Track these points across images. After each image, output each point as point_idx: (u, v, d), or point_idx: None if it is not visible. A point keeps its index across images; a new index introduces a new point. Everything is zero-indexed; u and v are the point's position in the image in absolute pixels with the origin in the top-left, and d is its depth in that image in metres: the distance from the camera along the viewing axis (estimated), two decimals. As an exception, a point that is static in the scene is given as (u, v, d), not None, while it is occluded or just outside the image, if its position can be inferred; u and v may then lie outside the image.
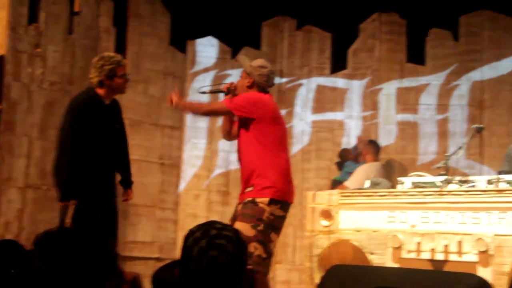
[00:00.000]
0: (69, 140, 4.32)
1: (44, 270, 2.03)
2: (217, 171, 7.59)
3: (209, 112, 4.47)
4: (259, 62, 4.31)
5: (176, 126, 7.52)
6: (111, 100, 4.54)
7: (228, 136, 4.44)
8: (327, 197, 5.29)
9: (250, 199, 4.10)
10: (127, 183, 4.69)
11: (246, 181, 4.16)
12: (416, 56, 7.49)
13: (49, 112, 6.39)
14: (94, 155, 4.32)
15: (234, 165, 7.56)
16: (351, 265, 4.16)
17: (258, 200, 4.07)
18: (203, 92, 4.51)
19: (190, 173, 7.50)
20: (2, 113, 6.04)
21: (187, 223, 6.84)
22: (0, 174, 5.96)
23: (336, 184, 6.60)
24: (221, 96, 4.55)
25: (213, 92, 4.51)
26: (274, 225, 4.10)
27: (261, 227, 4.02)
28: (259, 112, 4.13)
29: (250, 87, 4.24)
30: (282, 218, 4.17)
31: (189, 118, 7.61)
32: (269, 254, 4.07)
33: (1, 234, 5.80)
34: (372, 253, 4.73)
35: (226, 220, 7.25)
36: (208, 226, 1.98)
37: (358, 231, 4.91)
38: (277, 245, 4.24)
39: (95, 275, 2.06)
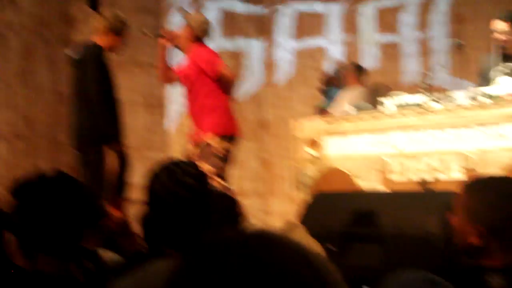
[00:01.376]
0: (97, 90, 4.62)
1: (18, 218, 1.97)
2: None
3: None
4: (201, 17, 4.97)
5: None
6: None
7: (168, 79, 4.97)
8: (310, 125, 5.28)
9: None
10: None
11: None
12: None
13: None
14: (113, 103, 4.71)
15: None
16: (333, 192, 4.19)
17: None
18: (145, 34, 4.98)
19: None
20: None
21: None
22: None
23: (321, 112, 6.57)
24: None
25: (156, 36, 4.98)
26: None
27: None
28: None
29: (189, 38, 4.80)
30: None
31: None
32: None
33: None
34: (360, 178, 4.76)
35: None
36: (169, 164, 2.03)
37: (345, 157, 4.93)
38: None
39: (73, 221, 2.00)
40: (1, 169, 5.95)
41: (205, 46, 4.85)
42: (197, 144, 4.68)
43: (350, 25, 7.50)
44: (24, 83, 6.24)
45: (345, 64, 7.24)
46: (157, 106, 7.38)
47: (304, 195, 4.76)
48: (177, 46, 4.79)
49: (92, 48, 4.73)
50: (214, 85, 4.71)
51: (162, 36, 4.76)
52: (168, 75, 4.86)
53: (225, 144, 4.67)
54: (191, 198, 1.94)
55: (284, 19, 7.70)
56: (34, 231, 1.93)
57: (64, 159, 6.42)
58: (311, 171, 5.04)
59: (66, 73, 6.54)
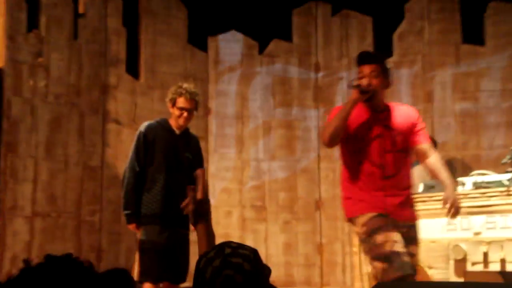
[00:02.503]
0: (129, 166, 4.97)
1: None
2: (250, 183, 7.61)
3: None
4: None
5: (200, 135, 7.50)
6: (183, 130, 5.10)
7: (337, 141, 4.11)
8: (375, 206, 5.23)
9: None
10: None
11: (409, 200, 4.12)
12: (473, 35, 7.36)
13: (55, 129, 6.45)
14: (158, 182, 4.92)
15: (269, 175, 7.55)
16: (397, 283, 4.05)
17: None
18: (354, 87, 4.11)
19: (219, 188, 7.49)
20: (3, 133, 6.10)
21: (219, 245, 6.83)
22: (4, 202, 6.01)
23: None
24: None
25: (362, 92, 4.03)
26: None
27: None
28: None
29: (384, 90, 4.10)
30: None
31: (214, 125, 7.61)
32: None
33: (8, 270, 5.84)
34: (431, 267, 4.64)
35: (262, 238, 7.27)
36: (222, 245, 2.06)
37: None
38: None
39: None
40: (18, 250, 6.01)
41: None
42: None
43: (423, 92, 7.48)
44: (50, 155, 6.37)
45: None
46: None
47: (364, 286, 4.66)
48: (369, 99, 3.99)
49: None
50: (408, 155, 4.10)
51: (358, 88, 3.97)
52: (340, 135, 4.02)
53: None
54: (242, 282, 1.97)
55: (345, 86, 7.75)
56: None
57: (89, 239, 6.48)
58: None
59: (95, 145, 6.71)
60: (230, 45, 7.87)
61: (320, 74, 7.90)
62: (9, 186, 6.07)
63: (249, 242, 6.86)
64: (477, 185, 4.79)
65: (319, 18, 8.00)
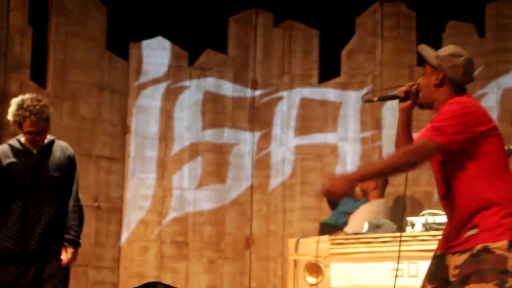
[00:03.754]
0: None
1: None
2: (171, 215, 7.59)
3: (415, 161, 4.07)
4: (449, 49, 3.97)
5: (116, 156, 7.48)
6: (43, 146, 4.98)
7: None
8: (314, 246, 5.32)
9: (480, 246, 3.68)
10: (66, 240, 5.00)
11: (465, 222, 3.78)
12: (430, 57, 7.54)
13: None
14: (13, 214, 4.88)
15: (193, 206, 7.55)
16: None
17: (493, 246, 3.68)
18: (368, 101, 4.14)
19: (135, 219, 7.48)
20: None
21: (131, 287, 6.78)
22: None
23: (326, 228, 6.56)
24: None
25: (384, 99, 4.06)
26: None
27: (509, 283, 3.63)
28: (477, 128, 3.77)
29: (439, 85, 3.86)
30: None
31: (133, 146, 7.58)
32: None
33: None
34: (373, 319, 4.72)
35: (182, 280, 7.24)
36: (147, 286, 2.22)
37: (355, 290, 4.91)
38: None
39: None
40: None
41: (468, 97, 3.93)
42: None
43: (371, 118, 7.62)
44: None
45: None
46: (111, 210, 7.40)
47: None
48: (422, 104, 3.90)
49: None
50: (480, 166, 3.76)
51: (396, 98, 3.87)
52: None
53: None
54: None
55: (286, 107, 7.84)
56: None
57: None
58: (309, 307, 5.01)
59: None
60: (156, 53, 7.86)
61: (258, 93, 7.97)
62: None
63: (167, 283, 6.82)
64: (427, 227, 4.89)
65: (259, 28, 8.07)
